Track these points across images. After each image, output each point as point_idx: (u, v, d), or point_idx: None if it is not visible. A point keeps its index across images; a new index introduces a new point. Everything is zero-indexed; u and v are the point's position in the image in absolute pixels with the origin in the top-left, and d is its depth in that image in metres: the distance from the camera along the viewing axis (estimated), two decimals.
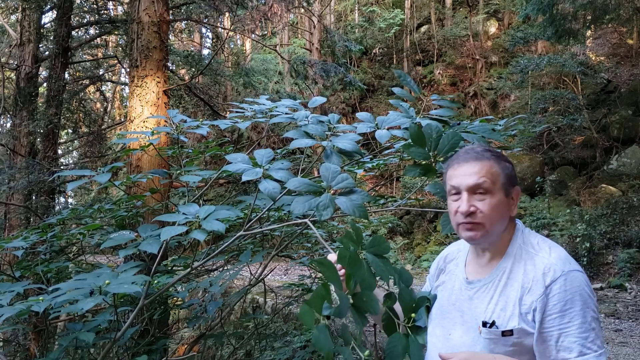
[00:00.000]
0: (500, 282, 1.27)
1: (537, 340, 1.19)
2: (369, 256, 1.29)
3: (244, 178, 1.54)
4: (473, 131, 1.80)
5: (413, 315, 1.37)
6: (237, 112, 2.18)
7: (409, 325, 1.38)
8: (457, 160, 1.32)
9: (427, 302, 1.43)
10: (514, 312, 1.21)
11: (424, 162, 1.58)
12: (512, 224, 1.33)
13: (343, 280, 1.29)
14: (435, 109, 1.93)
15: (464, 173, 1.28)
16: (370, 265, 1.31)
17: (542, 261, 1.23)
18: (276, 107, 2.06)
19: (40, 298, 1.40)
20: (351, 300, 1.23)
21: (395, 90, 1.92)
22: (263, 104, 2.10)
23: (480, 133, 1.79)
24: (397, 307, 1.41)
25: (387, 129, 1.81)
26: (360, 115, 1.93)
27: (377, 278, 1.32)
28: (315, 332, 1.13)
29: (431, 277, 1.54)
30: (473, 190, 1.26)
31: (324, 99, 2.13)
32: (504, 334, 1.20)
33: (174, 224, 1.52)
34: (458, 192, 1.29)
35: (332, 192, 1.47)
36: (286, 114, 2.00)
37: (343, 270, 1.28)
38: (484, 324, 1.23)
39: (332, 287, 1.22)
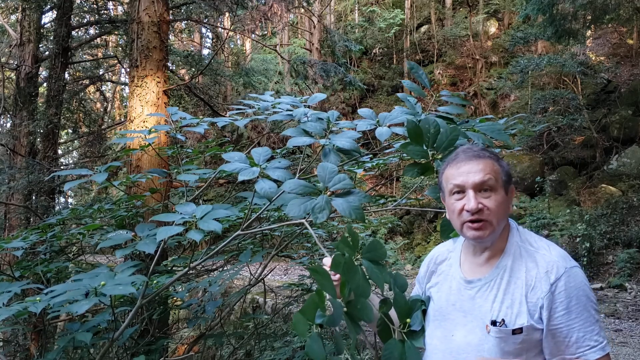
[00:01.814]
0: (503, 280, 1.27)
1: (546, 337, 1.22)
2: (364, 262, 1.27)
3: (241, 178, 1.53)
4: (481, 130, 1.76)
5: (408, 320, 1.36)
6: (237, 109, 2.16)
7: (404, 330, 1.36)
8: (457, 159, 1.32)
9: (421, 306, 1.41)
10: (521, 309, 1.22)
11: (422, 161, 1.56)
12: (507, 223, 1.34)
13: (337, 286, 1.28)
14: (440, 105, 1.88)
15: (468, 171, 1.28)
16: (365, 272, 1.29)
17: (544, 258, 1.25)
18: (278, 104, 2.03)
19: (37, 299, 1.40)
20: (345, 308, 1.22)
21: (405, 82, 1.87)
22: (266, 101, 2.07)
23: (488, 132, 1.75)
24: (392, 312, 1.40)
25: (390, 126, 1.77)
26: (361, 111, 1.88)
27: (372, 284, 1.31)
28: (309, 342, 1.12)
29: (421, 279, 1.52)
30: (479, 187, 1.27)
31: (324, 95, 2.10)
32: (514, 332, 1.22)
33: (171, 223, 1.51)
34: (462, 191, 1.29)
35: (329, 193, 1.46)
36: (286, 110, 1.97)
37: (338, 276, 1.27)
38: (494, 323, 1.24)
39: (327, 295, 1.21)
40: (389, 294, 1.40)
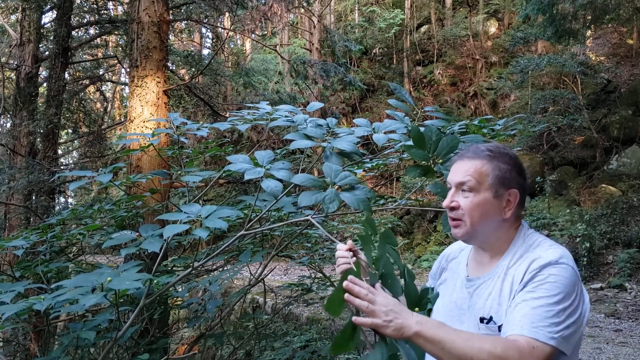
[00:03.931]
0: (499, 279, 1.29)
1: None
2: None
3: (247, 177, 1.57)
4: (466, 141, 1.85)
5: (417, 309, 1.39)
6: (237, 113, 2.20)
7: None
8: (456, 158, 1.38)
9: (428, 301, 1.44)
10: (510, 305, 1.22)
11: (424, 163, 1.61)
12: (515, 225, 1.34)
13: (348, 268, 1.30)
14: (428, 119, 2.00)
15: (455, 170, 1.34)
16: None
17: (537, 253, 1.24)
18: (276, 111, 2.10)
19: (42, 297, 1.41)
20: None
21: (391, 101, 2.01)
22: (263, 109, 2.13)
23: (473, 142, 1.84)
24: (402, 300, 1.42)
25: (385, 133, 1.87)
26: (357, 121, 2.01)
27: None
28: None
29: (433, 275, 1.56)
30: (459, 187, 1.31)
31: (321, 104, 2.26)
32: (500, 328, 1.21)
33: (175, 222, 1.53)
34: (451, 188, 1.34)
35: (336, 188, 1.51)
36: (285, 117, 2.04)
37: (354, 258, 1.29)
38: (482, 320, 1.25)
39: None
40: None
